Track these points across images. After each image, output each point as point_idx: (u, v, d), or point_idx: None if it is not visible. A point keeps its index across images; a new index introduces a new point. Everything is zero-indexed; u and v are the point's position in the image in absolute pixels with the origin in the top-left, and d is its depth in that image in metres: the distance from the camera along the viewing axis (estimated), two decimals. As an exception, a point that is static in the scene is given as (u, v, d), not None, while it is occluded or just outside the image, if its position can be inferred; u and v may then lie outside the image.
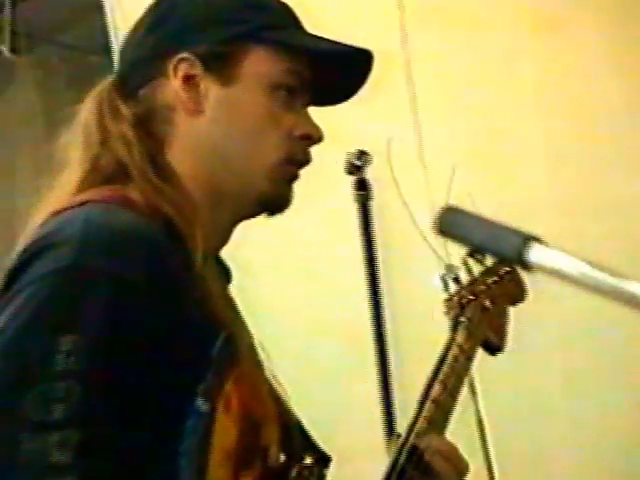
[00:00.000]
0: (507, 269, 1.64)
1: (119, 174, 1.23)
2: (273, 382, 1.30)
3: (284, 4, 1.36)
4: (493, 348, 1.61)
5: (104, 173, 1.24)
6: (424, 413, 1.38)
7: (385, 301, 2.37)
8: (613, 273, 0.74)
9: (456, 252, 1.59)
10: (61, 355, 1.04)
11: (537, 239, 0.78)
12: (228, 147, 1.27)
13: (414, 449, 1.33)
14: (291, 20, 1.35)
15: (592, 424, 2.65)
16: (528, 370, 2.64)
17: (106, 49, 2.94)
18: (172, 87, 1.27)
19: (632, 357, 2.63)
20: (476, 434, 2.43)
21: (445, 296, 1.60)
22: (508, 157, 2.75)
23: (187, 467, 1.11)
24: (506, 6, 2.83)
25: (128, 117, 1.26)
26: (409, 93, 2.79)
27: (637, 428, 2.62)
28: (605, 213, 2.64)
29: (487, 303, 1.59)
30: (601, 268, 0.75)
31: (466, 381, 1.50)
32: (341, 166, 2.32)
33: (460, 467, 1.35)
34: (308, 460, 1.29)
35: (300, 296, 2.94)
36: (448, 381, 1.43)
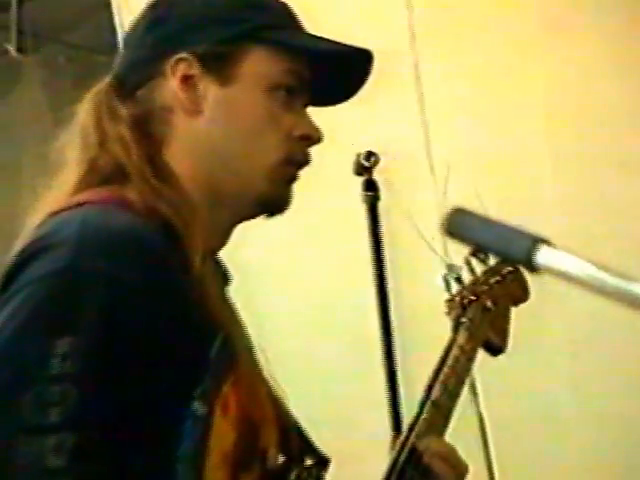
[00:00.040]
0: (510, 269, 1.63)
1: (117, 175, 1.22)
2: (271, 384, 1.30)
3: (284, 4, 1.35)
4: (494, 349, 1.60)
5: (102, 174, 1.23)
6: (424, 414, 1.37)
7: (392, 301, 2.37)
8: (621, 275, 0.74)
9: (458, 252, 1.59)
10: (57, 358, 1.04)
11: (545, 241, 0.78)
12: (227, 147, 1.27)
13: (414, 450, 1.32)
14: (291, 20, 1.34)
15: (597, 427, 2.65)
16: (534, 372, 2.64)
17: (113, 48, 2.94)
18: (170, 87, 1.27)
19: (640, 360, 2.64)
20: (477, 435, 2.44)
21: (447, 296, 1.60)
22: (515, 158, 2.74)
23: (184, 471, 1.11)
24: (515, 6, 2.83)
25: (126, 118, 1.26)
26: (417, 93, 2.79)
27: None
28: (611, 215, 2.63)
29: (489, 303, 1.59)
30: (609, 270, 0.74)
31: (467, 382, 1.49)
32: (349, 166, 2.33)
33: (459, 469, 1.35)
34: (308, 462, 1.29)
35: (306, 296, 2.94)
36: (449, 382, 1.43)
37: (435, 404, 1.39)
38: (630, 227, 2.62)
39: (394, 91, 2.76)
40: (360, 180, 2.25)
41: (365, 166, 2.17)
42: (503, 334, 1.62)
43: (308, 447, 1.32)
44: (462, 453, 1.37)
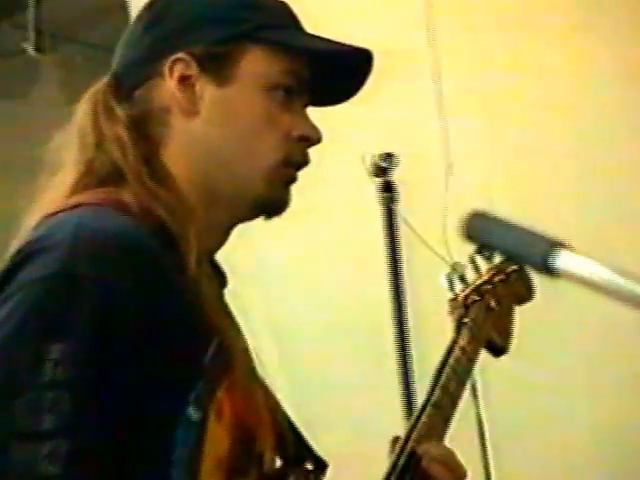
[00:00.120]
0: (514, 267, 1.60)
1: (114, 176, 1.21)
2: (268, 388, 1.29)
3: (283, 3, 1.33)
4: (497, 349, 1.58)
5: (98, 175, 1.22)
6: (424, 418, 1.36)
7: (408, 301, 2.37)
8: (638, 280, 0.74)
9: (461, 251, 1.59)
10: (50, 364, 1.03)
11: (564, 245, 0.78)
12: (224, 149, 1.26)
13: (413, 454, 1.31)
14: (290, 20, 1.32)
15: (609, 432, 2.64)
16: (544, 377, 2.64)
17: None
18: (168, 88, 1.25)
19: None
20: (476, 437, 2.43)
21: (450, 296, 1.58)
22: (536, 159, 2.73)
23: (179, 476, 1.10)
24: (537, 2, 2.82)
25: (123, 119, 1.25)
26: (436, 92, 2.79)
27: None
28: (630, 220, 2.62)
29: (492, 303, 1.56)
30: (627, 275, 0.73)
31: (468, 383, 1.49)
32: (366, 167, 2.33)
33: (457, 473, 1.33)
34: (307, 466, 1.28)
35: (322, 299, 2.94)
36: (449, 385, 1.41)
37: (435, 407, 1.38)
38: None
39: (413, 90, 2.76)
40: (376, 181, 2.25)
41: (382, 167, 2.17)
42: (506, 334, 1.60)
43: (307, 451, 1.30)
44: (460, 455, 1.35)
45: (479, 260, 1.60)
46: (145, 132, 1.26)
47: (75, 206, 1.17)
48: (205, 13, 1.29)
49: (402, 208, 2.27)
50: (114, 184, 1.21)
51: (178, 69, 1.25)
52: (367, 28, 2.75)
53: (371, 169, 2.18)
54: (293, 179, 1.30)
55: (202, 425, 1.12)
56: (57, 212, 1.17)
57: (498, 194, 2.64)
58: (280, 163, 1.27)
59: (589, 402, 2.65)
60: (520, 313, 1.67)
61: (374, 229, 2.27)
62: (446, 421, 1.40)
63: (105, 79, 1.30)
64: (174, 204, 1.20)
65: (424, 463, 1.30)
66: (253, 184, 1.26)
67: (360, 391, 2.74)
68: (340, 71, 1.30)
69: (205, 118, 1.25)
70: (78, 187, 1.22)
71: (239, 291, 3.20)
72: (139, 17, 1.33)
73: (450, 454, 1.35)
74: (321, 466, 1.30)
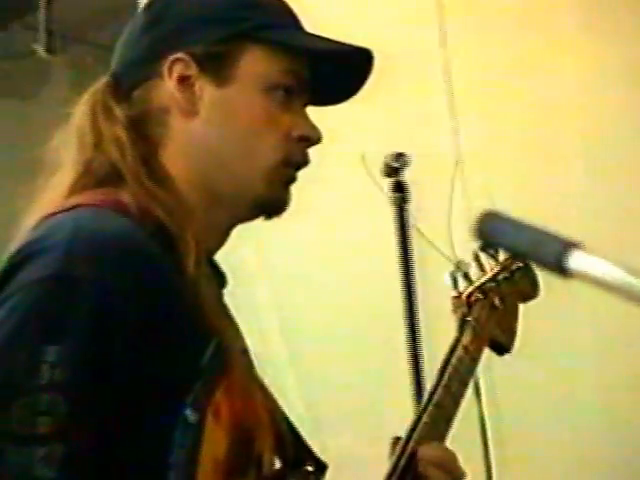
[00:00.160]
0: (519, 265, 1.59)
1: (112, 177, 1.21)
2: (267, 389, 1.28)
3: (282, 2, 1.32)
4: (501, 348, 1.57)
5: (97, 176, 1.22)
6: (425, 418, 1.35)
7: (419, 300, 2.36)
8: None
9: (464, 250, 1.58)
10: (46, 366, 1.03)
11: (577, 245, 0.78)
12: (223, 149, 1.25)
13: (413, 456, 1.31)
14: (289, 19, 1.32)
15: (618, 433, 2.63)
16: (559, 378, 2.63)
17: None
18: (167, 88, 1.25)
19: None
20: (478, 437, 2.43)
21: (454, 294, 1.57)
22: (545, 158, 2.72)
23: (176, 478, 1.10)
24: (547, 3, 2.81)
25: (121, 119, 1.24)
26: (447, 93, 2.78)
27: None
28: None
29: (496, 301, 1.55)
30: (640, 276, 0.74)
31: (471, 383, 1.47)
32: (377, 167, 2.32)
33: (455, 475, 1.32)
34: (308, 468, 1.28)
35: (332, 296, 2.94)
36: (451, 384, 1.40)
37: (437, 407, 1.37)
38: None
39: (425, 91, 2.76)
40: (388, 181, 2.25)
41: (394, 167, 2.17)
42: (510, 333, 1.58)
43: (306, 453, 1.30)
44: (462, 455, 1.35)
45: (483, 258, 1.58)
46: (144, 132, 1.25)
47: (73, 207, 1.16)
48: (204, 13, 1.28)
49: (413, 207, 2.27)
50: (112, 185, 1.20)
51: (177, 69, 1.25)
52: (378, 28, 2.75)
53: (382, 169, 2.18)
54: (293, 179, 1.29)
55: (200, 427, 1.11)
56: (55, 213, 1.16)
57: (507, 193, 2.63)
58: (280, 163, 1.26)
59: (601, 403, 2.64)
60: (533, 313, 1.66)
61: (386, 228, 2.27)
62: (448, 421, 1.39)
63: (104, 79, 1.30)
64: (173, 205, 1.19)
65: (420, 467, 1.30)
66: (253, 184, 1.26)
67: (371, 391, 2.74)
68: (340, 71, 1.29)
69: (204, 118, 1.25)
70: (76, 188, 1.21)
71: (249, 290, 3.22)
72: (138, 17, 1.32)
73: (448, 456, 1.34)
74: (320, 467, 1.30)
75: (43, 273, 1.08)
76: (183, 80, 1.25)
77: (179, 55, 1.25)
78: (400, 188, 2.22)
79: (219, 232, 1.28)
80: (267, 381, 3.24)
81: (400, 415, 2.42)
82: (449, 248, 2.31)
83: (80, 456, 1.03)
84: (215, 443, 1.13)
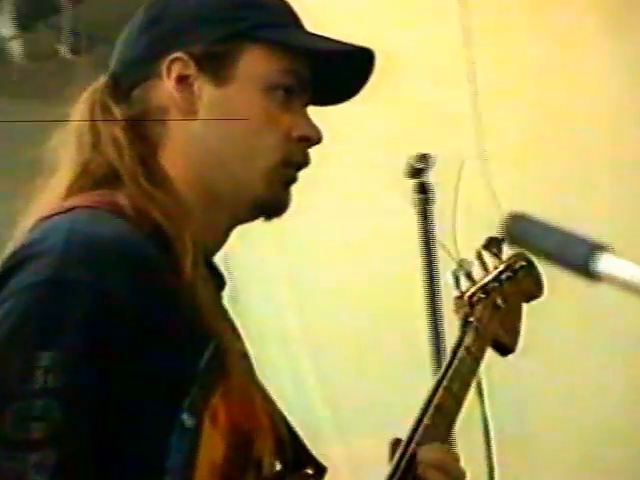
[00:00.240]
0: (522, 264, 1.57)
1: (110, 178, 1.20)
2: (266, 392, 1.26)
3: (283, 2, 1.31)
4: (504, 348, 1.55)
5: (95, 177, 1.20)
6: (426, 420, 1.33)
7: (443, 301, 2.36)
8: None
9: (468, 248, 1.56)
10: (39, 372, 1.02)
11: (605, 248, 0.77)
12: (222, 149, 1.24)
13: (414, 458, 1.29)
14: (290, 18, 1.30)
15: (626, 434, 2.62)
16: (562, 378, 2.62)
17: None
18: (166, 88, 1.24)
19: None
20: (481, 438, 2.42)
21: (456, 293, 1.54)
22: (571, 161, 2.71)
23: None
24: (571, 3, 2.79)
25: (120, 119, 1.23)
26: (471, 92, 2.77)
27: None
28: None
29: (499, 301, 1.53)
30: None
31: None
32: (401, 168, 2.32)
33: (453, 476, 1.30)
34: (308, 471, 1.26)
35: (355, 296, 2.94)
36: (453, 385, 1.39)
37: (439, 409, 1.35)
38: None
39: (448, 91, 2.75)
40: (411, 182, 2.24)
41: (418, 168, 2.16)
42: (513, 333, 1.56)
43: (306, 456, 1.28)
44: (464, 455, 1.33)
45: (486, 257, 1.56)
46: (143, 133, 1.24)
47: (70, 209, 1.15)
48: (203, 12, 1.26)
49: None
50: (110, 186, 1.19)
51: (176, 69, 1.23)
52: (403, 29, 2.74)
53: (406, 170, 2.17)
54: (293, 179, 1.27)
55: (196, 431, 1.10)
56: (52, 215, 1.15)
57: (532, 194, 2.62)
58: (279, 163, 1.24)
59: (603, 404, 2.62)
60: (536, 312, 1.63)
61: (408, 227, 2.26)
62: (450, 423, 1.37)
63: (103, 79, 1.29)
64: (170, 206, 1.18)
65: (420, 469, 1.28)
66: (252, 185, 1.24)
67: (394, 392, 2.73)
68: (342, 70, 1.28)
69: None
70: (74, 189, 1.20)
71: (269, 290, 3.21)
72: (138, 16, 1.31)
73: (448, 457, 1.32)
74: (320, 471, 1.28)
75: (36, 278, 1.07)
76: (182, 80, 1.23)
77: (178, 55, 1.23)
78: (424, 189, 2.21)
79: (218, 233, 1.27)
80: (290, 384, 3.25)
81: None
82: (453, 247, 2.30)
83: (74, 462, 1.02)
84: (212, 447, 1.12)
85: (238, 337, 1.26)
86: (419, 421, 1.33)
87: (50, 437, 1.01)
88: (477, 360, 1.46)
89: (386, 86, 2.64)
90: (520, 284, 1.58)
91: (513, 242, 0.81)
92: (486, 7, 2.78)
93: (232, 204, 1.25)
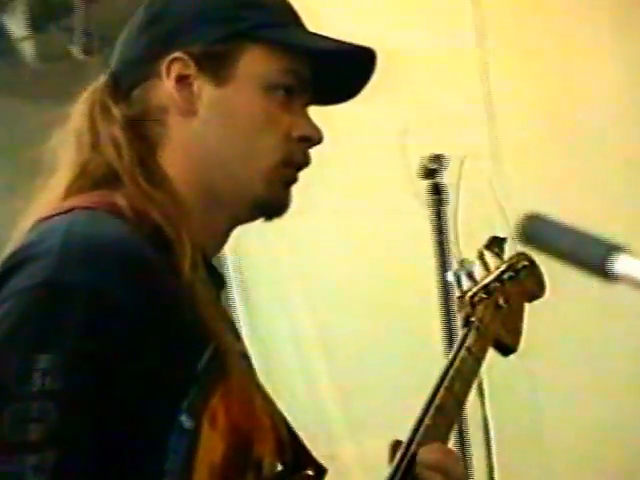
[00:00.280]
0: (524, 263, 1.56)
1: (109, 178, 1.19)
2: (266, 392, 1.25)
3: (284, 1, 1.29)
4: (506, 348, 1.53)
5: (94, 177, 1.19)
6: (427, 420, 1.32)
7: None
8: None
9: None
10: (37, 374, 1.01)
11: (622, 249, 0.77)
12: (222, 149, 1.23)
13: (414, 458, 1.28)
14: (291, 18, 1.29)
15: (629, 435, 2.61)
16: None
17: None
18: (166, 88, 1.23)
19: None
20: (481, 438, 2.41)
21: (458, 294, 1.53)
22: (586, 160, 2.71)
23: None
24: (585, 1, 2.79)
25: (119, 119, 1.22)
26: (484, 93, 2.77)
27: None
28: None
29: (501, 301, 1.52)
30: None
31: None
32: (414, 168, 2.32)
33: (452, 477, 1.29)
34: (309, 472, 1.25)
35: (368, 299, 2.94)
36: (454, 386, 1.38)
37: (439, 409, 1.34)
38: None
39: (461, 92, 2.74)
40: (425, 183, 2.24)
41: (431, 169, 2.16)
42: (515, 333, 1.55)
43: (307, 457, 1.28)
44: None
45: (488, 256, 1.55)
46: (142, 133, 1.23)
47: (69, 210, 1.14)
48: (203, 12, 1.25)
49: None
50: (109, 186, 1.18)
51: (176, 68, 1.22)
52: (416, 28, 2.74)
53: (420, 170, 2.17)
54: (293, 180, 1.26)
55: (195, 433, 1.09)
56: (51, 216, 1.14)
57: (545, 194, 2.62)
58: (279, 163, 1.23)
59: (606, 404, 2.61)
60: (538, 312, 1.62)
61: (422, 228, 2.26)
62: (450, 423, 1.36)
63: (103, 79, 1.28)
64: (169, 206, 1.17)
65: (417, 470, 1.27)
66: (252, 185, 1.23)
67: (409, 392, 2.73)
68: (343, 70, 1.27)
69: (203, 118, 1.22)
70: (73, 190, 1.19)
71: (283, 292, 3.21)
72: (137, 16, 1.30)
73: (447, 457, 1.30)
74: (320, 472, 1.27)
75: (33, 280, 1.06)
76: (181, 79, 1.22)
77: (178, 54, 1.22)
78: (437, 190, 2.21)
79: (217, 234, 1.26)
80: (302, 383, 3.25)
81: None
82: (455, 247, 2.29)
83: (72, 464, 1.01)
84: (211, 449, 1.11)
85: (238, 338, 1.25)
86: (420, 421, 1.33)
87: (48, 439, 1.00)
88: (478, 360, 1.45)
89: (400, 86, 2.65)
90: (522, 284, 1.57)
91: (528, 242, 0.80)
92: (499, 8, 2.78)
93: (232, 204, 1.24)
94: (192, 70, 1.22)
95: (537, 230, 0.80)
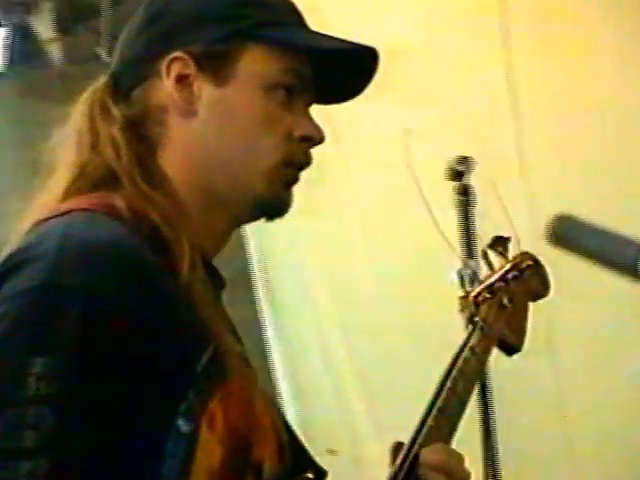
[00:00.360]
0: (529, 263, 1.55)
1: (108, 179, 1.17)
2: (267, 394, 1.24)
3: (285, 1, 1.28)
4: (510, 348, 1.52)
5: (93, 179, 1.18)
6: (430, 421, 1.31)
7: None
8: None
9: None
10: (32, 378, 0.99)
11: (653, 249, 0.77)
12: (221, 149, 1.21)
13: (416, 459, 1.27)
14: (292, 17, 1.27)
15: (631, 435, 2.60)
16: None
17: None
18: (165, 88, 1.21)
19: None
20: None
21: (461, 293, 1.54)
22: (614, 162, 2.70)
23: None
24: (610, 6, 2.78)
25: (119, 119, 1.21)
26: (510, 94, 2.77)
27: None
28: None
29: (505, 300, 1.51)
30: None
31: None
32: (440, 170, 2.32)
33: (457, 478, 1.28)
34: (309, 475, 1.24)
35: (393, 296, 2.94)
36: (457, 386, 1.37)
37: (442, 410, 1.33)
38: None
39: (486, 95, 2.74)
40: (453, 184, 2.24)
41: (458, 170, 2.16)
42: (520, 332, 1.54)
43: (307, 460, 1.26)
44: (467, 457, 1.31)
45: (492, 256, 1.55)
46: (143, 133, 1.22)
47: (66, 212, 1.13)
48: (203, 11, 1.24)
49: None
50: (108, 188, 1.17)
51: (175, 68, 1.21)
52: (442, 32, 2.74)
53: (446, 172, 2.17)
54: (294, 180, 1.25)
55: (193, 437, 1.07)
56: (49, 218, 1.13)
57: (574, 197, 2.61)
58: (280, 163, 1.22)
59: (608, 404, 2.60)
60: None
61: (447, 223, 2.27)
62: (453, 424, 1.35)
63: (103, 79, 1.27)
64: (168, 207, 1.15)
65: (420, 471, 1.26)
66: (252, 185, 1.22)
67: (430, 383, 2.74)
68: (344, 69, 1.25)
69: (203, 118, 1.21)
70: (71, 191, 1.18)
71: (308, 293, 3.21)
72: (137, 15, 1.29)
73: (450, 458, 1.29)
74: (320, 475, 1.26)
75: (29, 284, 1.04)
76: (181, 79, 1.21)
77: (177, 54, 1.21)
78: (465, 192, 2.21)
79: (217, 234, 1.25)
80: (328, 383, 3.25)
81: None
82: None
83: (67, 470, 1.00)
84: (209, 453, 1.09)
85: (238, 340, 1.23)
86: (423, 422, 1.32)
87: (42, 445, 0.98)
88: (482, 360, 1.44)
89: (424, 85, 2.65)
90: (527, 283, 1.56)
91: (559, 243, 0.81)
92: (526, 9, 2.77)
93: (232, 204, 1.23)
94: (192, 70, 1.21)
95: (567, 231, 0.80)
